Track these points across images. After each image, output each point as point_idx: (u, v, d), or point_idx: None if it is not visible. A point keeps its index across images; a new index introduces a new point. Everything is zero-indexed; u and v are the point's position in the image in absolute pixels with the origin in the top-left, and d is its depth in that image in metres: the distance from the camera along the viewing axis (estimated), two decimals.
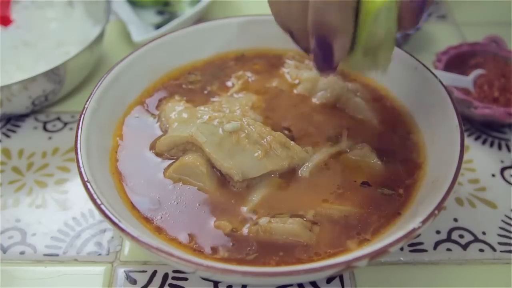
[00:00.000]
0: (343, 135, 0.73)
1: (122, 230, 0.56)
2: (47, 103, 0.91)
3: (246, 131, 0.67)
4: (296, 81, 0.82)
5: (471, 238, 0.74)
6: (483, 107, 0.86)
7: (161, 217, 0.64)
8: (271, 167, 0.66)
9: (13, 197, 0.78)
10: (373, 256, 0.54)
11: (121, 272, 0.69)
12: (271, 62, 0.86)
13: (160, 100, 0.78)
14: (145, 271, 0.70)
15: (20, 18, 0.98)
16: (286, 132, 0.73)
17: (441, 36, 1.14)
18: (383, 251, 0.55)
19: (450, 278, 0.70)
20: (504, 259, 0.72)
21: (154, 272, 0.69)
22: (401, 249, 0.72)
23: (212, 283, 0.68)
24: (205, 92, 0.81)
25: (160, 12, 1.18)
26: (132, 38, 1.03)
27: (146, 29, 1.10)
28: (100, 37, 0.92)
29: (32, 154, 0.85)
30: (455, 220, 0.77)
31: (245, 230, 0.62)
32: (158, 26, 1.11)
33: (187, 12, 1.10)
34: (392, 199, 0.66)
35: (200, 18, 1.11)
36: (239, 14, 0.87)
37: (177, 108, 0.74)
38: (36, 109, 0.91)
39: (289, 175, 0.68)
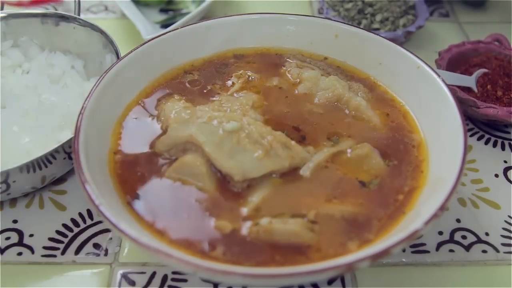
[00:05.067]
0: (345, 134, 0.73)
1: (121, 231, 0.55)
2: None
3: (246, 130, 0.67)
4: (297, 81, 0.81)
5: (474, 239, 0.74)
6: (486, 106, 0.85)
7: (161, 218, 0.63)
8: (272, 167, 0.66)
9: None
10: (375, 258, 0.54)
11: (119, 273, 0.69)
12: (272, 61, 0.85)
13: (159, 100, 0.78)
14: (144, 273, 0.69)
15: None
16: (295, 131, 0.73)
17: (444, 34, 1.14)
18: (385, 252, 0.54)
19: (453, 280, 0.69)
20: (507, 260, 0.71)
21: (153, 274, 0.69)
22: (403, 250, 0.72)
23: (212, 285, 0.68)
24: (205, 91, 0.80)
25: (163, 10, 1.18)
26: (142, 36, 1.02)
27: (153, 27, 1.10)
28: None
29: None
30: (458, 220, 0.76)
31: (245, 231, 0.62)
32: (163, 24, 1.11)
33: (193, 10, 1.10)
34: (393, 199, 0.65)
35: (203, 16, 1.11)
36: (241, 13, 0.86)
37: (176, 108, 0.74)
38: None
39: (290, 175, 0.67)
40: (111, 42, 0.88)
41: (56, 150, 0.71)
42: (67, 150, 0.73)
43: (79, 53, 0.94)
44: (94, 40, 0.91)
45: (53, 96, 0.83)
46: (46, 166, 0.72)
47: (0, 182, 0.69)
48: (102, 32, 0.90)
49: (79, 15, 1.01)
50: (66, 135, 0.77)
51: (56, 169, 0.75)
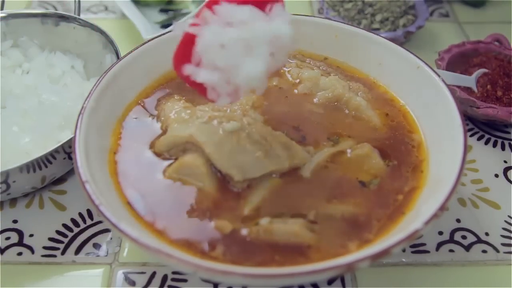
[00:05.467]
0: (345, 135, 0.73)
1: (121, 231, 0.55)
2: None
3: (246, 131, 0.67)
4: (297, 81, 0.81)
5: (474, 239, 0.74)
6: (486, 106, 0.85)
7: (161, 218, 0.63)
8: (272, 167, 0.66)
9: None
10: (375, 258, 0.54)
11: (120, 273, 0.69)
12: None
13: (159, 100, 0.78)
14: (144, 273, 0.69)
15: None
16: (295, 131, 0.73)
17: (444, 34, 1.14)
18: (385, 252, 0.54)
19: (453, 280, 0.69)
20: (507, 260, 0.71)
21: (153, 274, 0.69)
22: (403, 250, 0.72)
23: (212, 285, 0.68)
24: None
25: (163, 10, 1.18)
26: (142, 36, 1.02)
27: (153, 27, 1.10)
28: None
29: None
30: (458, 220, 0.76)
31: (245, 231, 0.62)
32: (163, 24, 1.11)
33: (193, 10, 1.10)
34: (393, 199, 0.65)
35: None
36: None
37: (176, 108, 0.74)
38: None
39: (290, 175, 0.67)
40: (111, 42, 0.88)
41: (56, 150, 0.71)
42: (67, 150, 0.73)
43: (79, 53, 0.94)
44: (94, 40, 0.91)
45: (53, 96, 0.83)
46: (46, 166, 0.72)
47: (0, 182, 0.69)
48: (102, 32, 0.90)
49: (79, 15, 1.00)
50: (66, 135, 0.77)
51: (56, 169, 0.75)
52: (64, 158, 0.74)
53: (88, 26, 0.91)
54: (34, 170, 0.71)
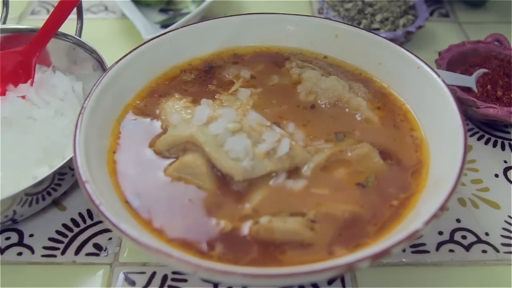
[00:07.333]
0: (345, 134, 0.73)
1: (121, 231, 0.55)
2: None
3: (246, 131, 0.67)
4: (297, 81, 0.81)
5: (474, 239, 0.74)
6: (486, 106, 0.85)
7: (161, 217, 0.63)
8: (272, 167, 0.66)
9: None
10: (375, 258, 0.54)
11: (120, 273, 0.69)
12: (272, 61, 0.85)
13: (159, 99, 0.78)
14: (144, 273, 0.69)
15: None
16: (296, 131, 0.72)
17: (444, 34, 1.14)
18: (385, 252, 0.54)
19: (453, 280, 0.69)
20: (507, 260, 0.71)
21: (153, 274, 0.69)
22: (403, 250, 0.72)
23: (212, 285, 0.68)
24: (205, 91, 0.80)
25: (163, 10, 1.18)
26: (142, 36, 1.02)
27: (153, 27, 1.10)
28: None
29: None
30: (458, 220, 0.76)
31: (245, 230, 0.62)
32: (163, 24, 1.12)
33: (193, 10, 1.10)
34: (393, 199, 0.65)
35: (203, 16, 1.11)
36: (241, 13, 0.86)
37: (177, 107, 0.74)
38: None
39: (290, 174, 0.67)
40: (100, 62, 0.85)
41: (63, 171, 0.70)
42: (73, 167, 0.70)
43: (78, 74, 0.91)
44: (87, 60, 0.88)
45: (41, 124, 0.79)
46: (56, 190, 0.72)
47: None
48: (92, 51, 0.87)
49: (81, 17, 1.00)
50: (44, 170, 0.73)
51: (63, 188, 0.75)
52: (73, 175, 0.72)
53: (82, 46, 0.89)
54: (44, 199, 0.72)
